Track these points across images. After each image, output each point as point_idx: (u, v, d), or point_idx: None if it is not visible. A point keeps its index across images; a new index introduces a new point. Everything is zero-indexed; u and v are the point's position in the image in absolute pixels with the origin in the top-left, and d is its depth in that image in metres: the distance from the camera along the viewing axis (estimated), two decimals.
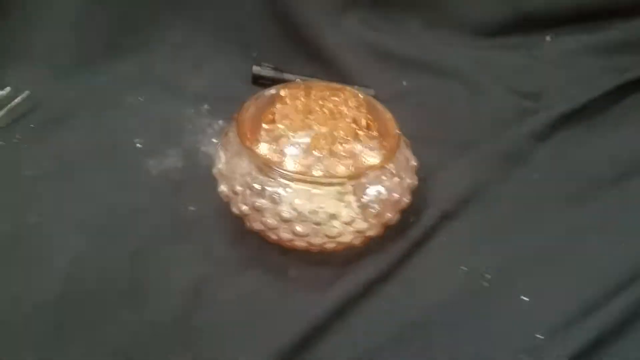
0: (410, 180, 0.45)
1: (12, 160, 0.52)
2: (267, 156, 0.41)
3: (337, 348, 0.40)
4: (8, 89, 0.57)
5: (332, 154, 0.42)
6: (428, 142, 0.49)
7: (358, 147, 0.43)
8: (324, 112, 0.45)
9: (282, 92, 0.47)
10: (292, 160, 0.41)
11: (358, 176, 0.41)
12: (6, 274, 0.43)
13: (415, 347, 0.40)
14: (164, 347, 0.39)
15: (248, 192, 0.42)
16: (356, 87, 0.60)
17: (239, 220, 0.44)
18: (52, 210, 0.48)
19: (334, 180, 0.41)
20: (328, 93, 0.47)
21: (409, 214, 0.46)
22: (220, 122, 0.56)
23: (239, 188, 0.42)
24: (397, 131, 0.44)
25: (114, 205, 0.48)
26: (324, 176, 0.41)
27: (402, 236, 0.46)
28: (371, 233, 0.43)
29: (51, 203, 0.48)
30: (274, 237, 0.43)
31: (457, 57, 0.66)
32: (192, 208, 0.48)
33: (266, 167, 0.41)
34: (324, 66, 0.64)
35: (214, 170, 0.45)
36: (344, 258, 0.45)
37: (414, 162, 0.46)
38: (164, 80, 0.59)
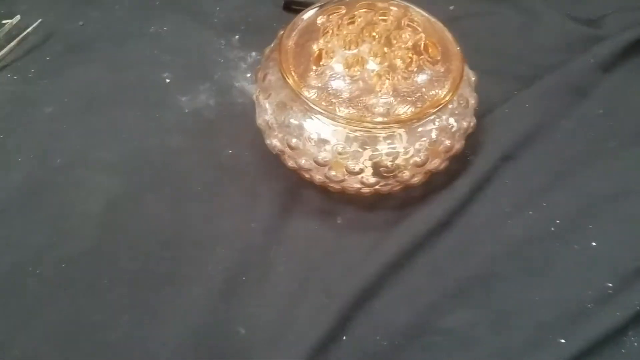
0: (467, 123, 0.40)
1: (29, 97, 0.47)
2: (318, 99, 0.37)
3: (394, 303, 0.38)
4: (18, 17, 0.52)
5: (395, 90, 0.37)
6: (484, 74, 0.44)
7: (421, 77, 0.38)
8: (378, 41, 0.39)
9: (320, 20, 0.41)
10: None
11: (422, 116, 0.37)
12: (34, 222, 0.40)
13: (477, 299, 0.38)
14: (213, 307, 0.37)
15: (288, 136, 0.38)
16: None
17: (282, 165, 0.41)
18: (79, 151, 0.44)
19: (393, 125, 0.37)
20: (376, 16, 0.41)
21: (466, 157, 0.43)
22: (254, 54, 0.51)
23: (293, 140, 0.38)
24: (458, 49, 0.40)
25: (147, 146, 0.45)
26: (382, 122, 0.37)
27: (460, 181, 0.42)
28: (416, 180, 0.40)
29: (78, 143, 0.44)
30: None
31: None
32: (230, 151, 0.44)
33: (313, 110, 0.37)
34: None
35: (259, 122, 0.41)
36: (400, 201, 0.42)
37: (473, 101, 0.41)
38: (189, 8, 0.53)
